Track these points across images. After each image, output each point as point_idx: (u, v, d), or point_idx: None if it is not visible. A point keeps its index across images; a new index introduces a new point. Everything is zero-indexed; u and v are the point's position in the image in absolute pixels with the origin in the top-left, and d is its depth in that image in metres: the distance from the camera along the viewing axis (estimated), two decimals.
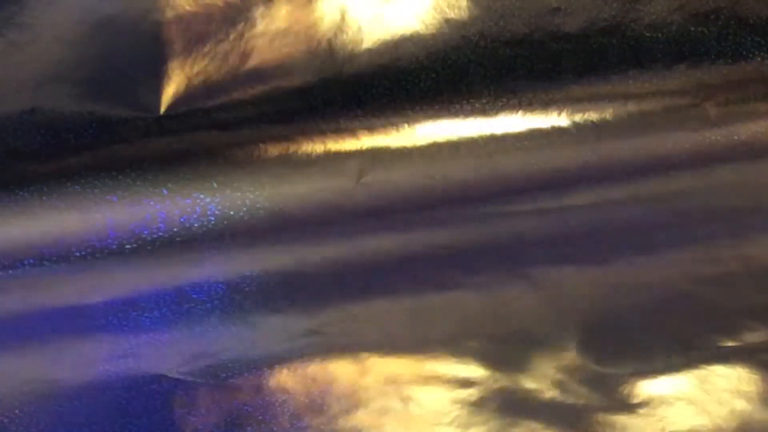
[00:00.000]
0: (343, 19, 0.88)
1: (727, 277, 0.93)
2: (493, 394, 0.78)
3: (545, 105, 0.94)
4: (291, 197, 0.91)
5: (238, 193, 0.89)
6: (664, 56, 0.95)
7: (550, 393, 0.78)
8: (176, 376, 0.81)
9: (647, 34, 0.94)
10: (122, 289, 0.84)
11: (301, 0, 0.87)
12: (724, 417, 0.76)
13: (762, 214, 0.98)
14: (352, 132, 0.93)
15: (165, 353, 0.83)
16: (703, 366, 0.80)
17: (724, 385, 0.79)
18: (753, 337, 0.85)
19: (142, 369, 0.82)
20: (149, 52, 0.85)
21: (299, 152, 0.93)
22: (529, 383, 0.79)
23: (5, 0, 0.80)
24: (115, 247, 0.83)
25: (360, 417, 0.78)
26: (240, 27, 0.87)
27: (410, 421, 0.77)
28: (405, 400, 0.79)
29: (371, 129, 0.93)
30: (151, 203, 0.85)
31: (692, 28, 0.95)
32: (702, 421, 0.75)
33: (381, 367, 0.82)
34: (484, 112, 0.94)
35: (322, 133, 0.92)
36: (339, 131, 0.92)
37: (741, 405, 0.77)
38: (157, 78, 0.84)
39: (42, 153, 0.85)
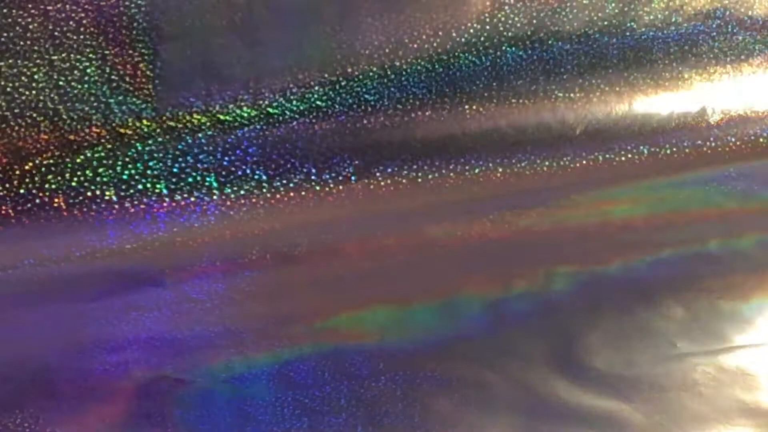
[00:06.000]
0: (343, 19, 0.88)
1: (726, 276, 0.93)
2: (495, 394, 0.79)
3: (545, 105, 0.94)
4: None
5: (239, 193, 0.89)
6: (664, 56, 0.95)
7: (554, 393, 0.78)
8: (176, 376, 0.81)
9: (647, 34, 0.94)
10: (122, 289, 0.84)
11: None
12: None
13: (762, 214, 0.98)
14: (352, 131, 0.93)
15: (165, 353, 0.83)
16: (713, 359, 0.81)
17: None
18: (758, 338, 0.86)
19: (142, 369, 0.81)
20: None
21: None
22: (530, 383, 0.79)
23: None
24: (115, 247, 0.83)
25: (362, 417, 0.78)
26: None
27: (411, 421, 0.77)
28: (406, 399, 0.79)
29: (371, 129, 0.93)
30: (151, 203, 0.85)
31: (692, 29, 0.95)
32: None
33: (383, 367, 0.82)
34: (484, 112, 0.94)
35: (322, 132, 0.92)
36: (338, 131, 0.92)
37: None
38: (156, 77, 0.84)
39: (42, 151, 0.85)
